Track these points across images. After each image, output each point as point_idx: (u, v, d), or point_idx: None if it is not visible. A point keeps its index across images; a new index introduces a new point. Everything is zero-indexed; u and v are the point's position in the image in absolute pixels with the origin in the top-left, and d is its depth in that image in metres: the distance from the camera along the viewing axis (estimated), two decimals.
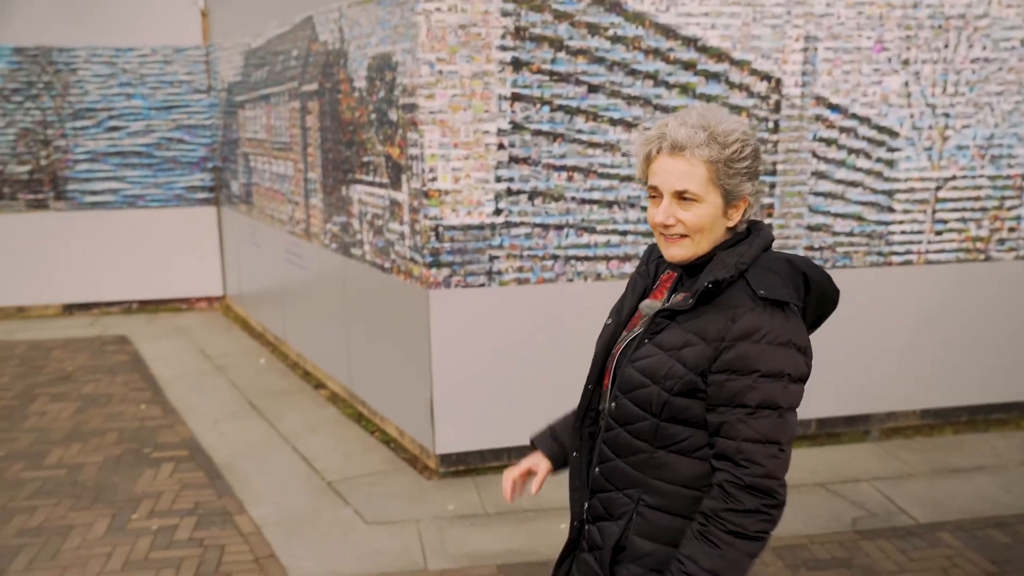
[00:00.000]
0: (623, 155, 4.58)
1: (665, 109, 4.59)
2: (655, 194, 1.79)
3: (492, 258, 4.54)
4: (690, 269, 1.83)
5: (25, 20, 8.25)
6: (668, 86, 4.58)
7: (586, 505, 1.93)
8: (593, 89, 4.50)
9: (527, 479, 2.13)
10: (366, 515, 4.28)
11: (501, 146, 4.46)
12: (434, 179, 4.42)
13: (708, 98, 4.64)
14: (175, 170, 8.63)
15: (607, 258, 4.65)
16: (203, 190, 8.71)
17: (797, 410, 1.75)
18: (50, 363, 7.01)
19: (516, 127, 4.45)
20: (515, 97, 4.43)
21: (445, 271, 4.49)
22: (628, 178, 4.61)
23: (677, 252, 1.79)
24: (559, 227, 4.58)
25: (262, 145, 7.12)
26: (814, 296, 1.83)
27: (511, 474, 2.11)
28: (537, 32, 4.40)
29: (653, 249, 1.96)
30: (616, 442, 1.83)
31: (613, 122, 4.55)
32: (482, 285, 4.55)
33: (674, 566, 1.71)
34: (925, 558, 3.85)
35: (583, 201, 4.58)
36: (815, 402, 5.01)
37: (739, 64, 4.64)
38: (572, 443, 1.99)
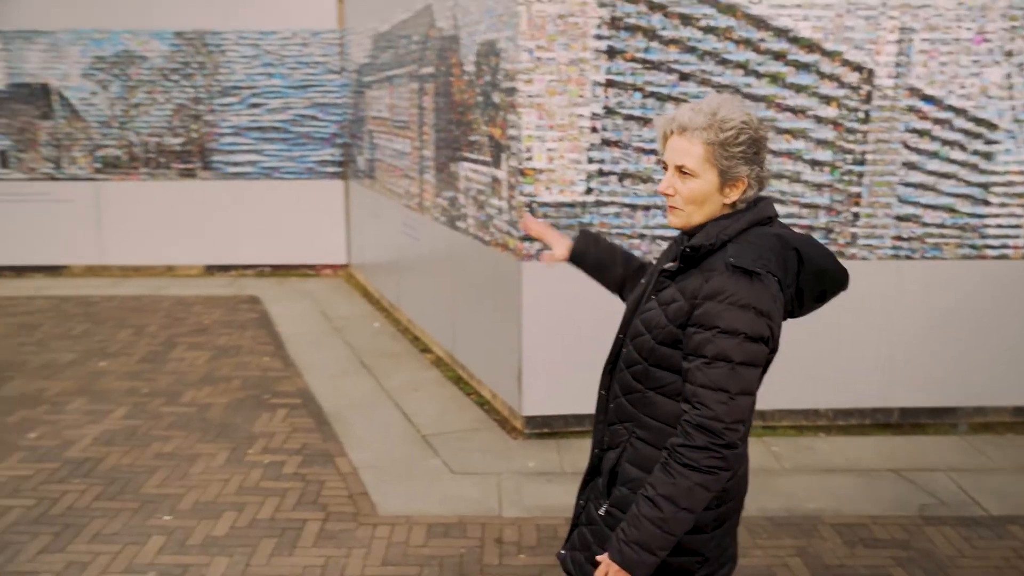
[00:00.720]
0: None
1: (754, 98, 4.74)
2: (664, 167, 2.05)
3: None
4: (692, 237, 2.07)
5: (184, 6, 9.04)
6: (758, 75, 4.74)
7: (605, 436, 2.21)
8: (684, 77, 4.71)
9: (544, 239, 2.56)
10: (452, 466, 4.67)
11: (594, 129, 4.73)
12: (530, 159, 4.73)
13: (798, 88, 4.77)
14: (308, 145, 9.28)
15: None
16: (333, 164, 9.33)
17: (757, 367, 1.94)
18: (191, 316, 7.75)
19: (609, 112, 4.71)
20: (609, 83, 4.69)
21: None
22: None
23: (674, 220, 2.06)
24: (646, 208, 4.82)
25: (385, 123, 7.61)
26: (809, 271, 2.03)
27: (538, 224, 2.57)
28: (632, 22, 4.64)
29: None
30: (622, 382, 2.11)
31: None
32: None
33: (641, 491, 1.96)
34: (988, 548, 3.90)
35: None
36: (898, 391, 5.09)
37: (830, 55, 4.74)
38: (600, 382, 2.26)
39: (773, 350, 1.99)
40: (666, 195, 2.04)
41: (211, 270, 9.58)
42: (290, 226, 9.43)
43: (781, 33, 4.71)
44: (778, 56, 4.74)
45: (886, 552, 3.84)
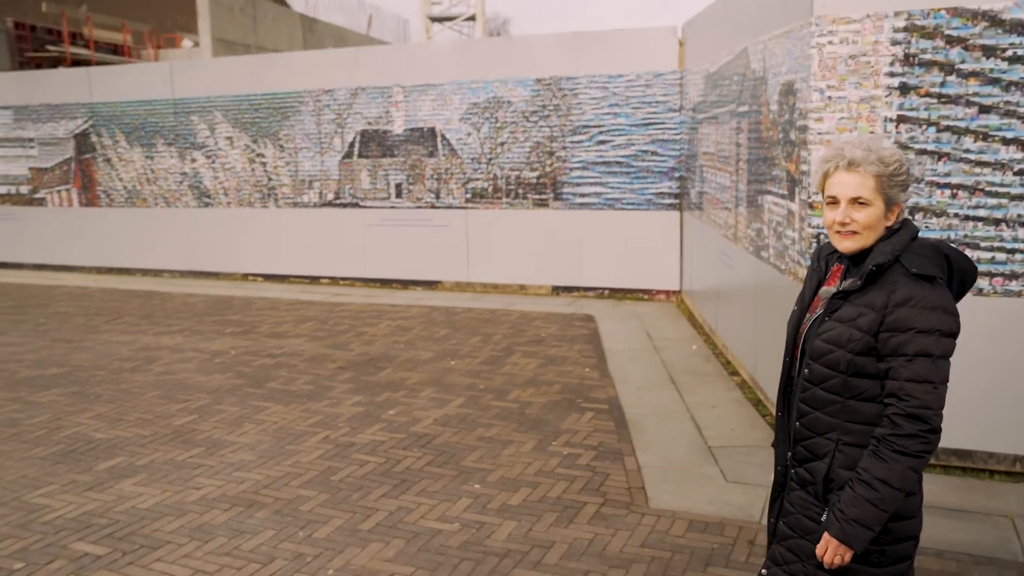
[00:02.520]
0: (1015, 174, 4.65)
1: None
2: (832, 201, 2.39)
3: None
4: (855, 259, 2.41)
5: (545, 56, 10.26)
6: None
7: (790, 453, 2.54)
8: (984, 110, 4.67)
9: None
10: (728, 475, 5.04)
11: None
12: (818, 192, 4.97)
13: None
14: (648, 178, 10.00)
15: (991, 275, 4.76)
16: (670, 196, 9.95)
17: (949, 360, 2.26)
18: (531, 329, 8.80)
19: (900, 147, 4.81)
20: (900, 119, 4.80)
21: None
22: (1020, 197, 4.67)
23: (849, 245, 2.39)
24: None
25: (711, 158, 8.08)
26: (956, 272, 2.35)
27: None
28: (927, 58, 4.71)
29: (820, 249, 2.60)
30: (814, 398, 2.41)
31: (1006, 141, 4.65)
32: None
33: (854, 476, 2.27)
34: None
35: (966, 218, 4.76)
36: None
37: None
38: (777, 403, 2.64)
39: None
40: (842, 224, 2.37)
41: (556, 290, 10.66)
42: (628, 253, 10.21)
43: None
44: None
45: None
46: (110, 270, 13.26)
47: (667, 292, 10.20)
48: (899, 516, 2.33)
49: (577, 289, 10.57)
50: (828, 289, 2.48)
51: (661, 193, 10.01)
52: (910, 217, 2.47)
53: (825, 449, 2.39)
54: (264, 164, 11.91)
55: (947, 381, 2.24)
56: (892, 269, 2.30)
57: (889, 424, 2.22)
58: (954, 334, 2.24)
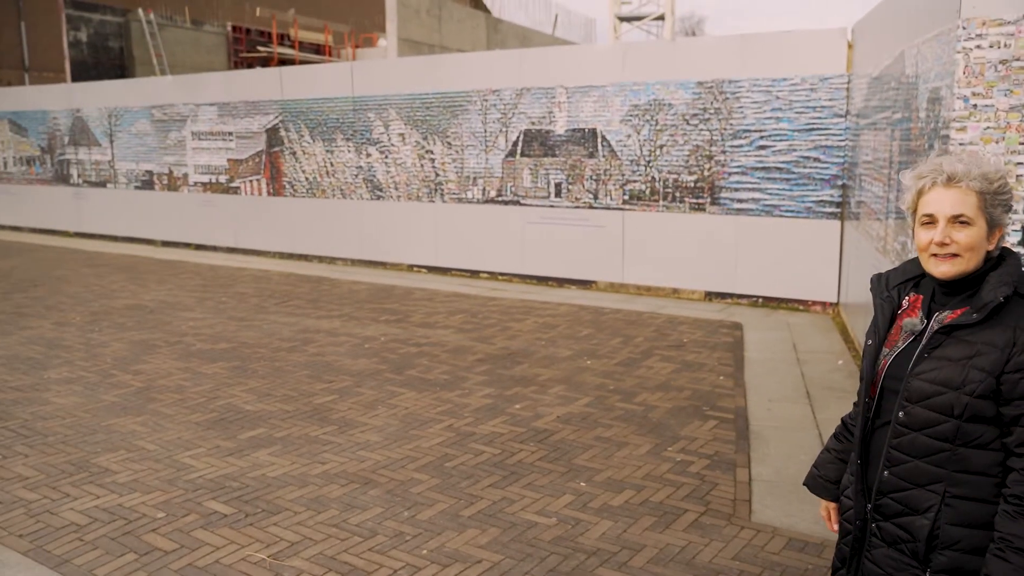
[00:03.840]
0: None
1: None
2: (929, 220, 2.15)
3: None
4: (950, 288, 2.18)
5: (707, 58, 10.12)
6: None
7: (869, 506, 2.27)
8: None
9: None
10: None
11: None
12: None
13: None
14: (808, 185, 9.66)
15: None
16: (830, 204, 9.57)
17: None
18: (675, 334, 8.74)
19: None
20: None
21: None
22: None
23: (948, 269, 2.13)
24: None
25: (869, 167, 7.72)
26: None
27: (826, 513, 2.62)
28: None
29: (880, 279, 2.39)
30: (913, 445, 2.16)
31: None
32: None
33: (998, 544, 2.02)
34: None
35: None
36: None
37: None
38: (855, 450, 2.32)
39: None
40: (940, 244, 2.12)
41: (710, 296, 10.50)
42: (785, 261, 9.91)
43: None
44: None
45: None
46: (291, 255, 14.25)
47: (823, 304, 9.81)
48: None
49: (731, 296, 10.37)
50: (913, 321, 2.25)
51: (822, 201, 9.64)
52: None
53: (928, 503, 2.15)
54: (432, 160, 12.42)
55: None
56: (1013, 302, 2.08)
57: (1022, 480, 2.02)
58: None
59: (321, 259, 13.91)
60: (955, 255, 2.13)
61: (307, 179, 13.82)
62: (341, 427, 5.96)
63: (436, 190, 12.48)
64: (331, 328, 9.03)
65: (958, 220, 2.11)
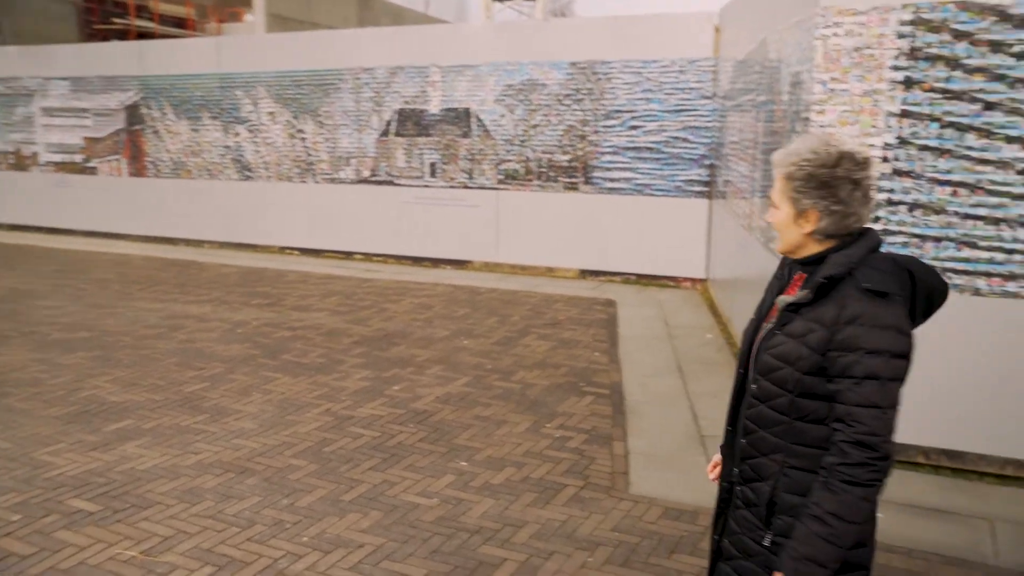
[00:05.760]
0: (1018, 173, 4.55)
1: None
2: None
3: None
4: (811, 269, 2.21)
5: (580, 40, 10.24)
6: None
7: (736, 470, 2.38)
8: (989, 107, 4.57)
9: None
10: None
11: (885, 159, 4.78)
12: None
13: None
14: (678, 165, 9.94)
15: (988, 275, 4.67)
16: (699, 184, 9.88)
17: (902, 382, 2.08)
18: (550, 312, 8.85)
19: (902, 142, 4.74)
20: (904, 114, 4.72)
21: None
22: (1022, 197, 4.57)
23: (777, 246, 2.31)
24: (937, 239, 4.74)
25: (735, 147, 8.01)
26: (921, 289, 2.16)
27: (712, 464, 2.65)
28: (933, 52, 4.62)
29: (783, 257, 2.41)
30: (759, 416, 2.23)
31: (1009, 140, 4.55)
32: None
33: (805, 510, 2.10)
34: None
35: (966, 216, 4.68)
36: None
37: None
38: (727, 418, 2.43)
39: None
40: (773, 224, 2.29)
41: (584, 274, 10.69)
42: (656, 239, 10.18)
43: None
44: None
45: None
46: (154, 239, 13.65)
47: (692, 280, 10.15)
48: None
49: (604, 273, 10.58)
50: (784, 299, 2.29)
51: (690, 180, 9.94)
52: (874, 227, 2.26)
53: (770, 471, 2.24)
54: (304, 140, 12.12)
55: (896, 405, 2.07)
56: (845, 283, 2.10)
57: (837, 452, 2.06)
58: (906, 355, 2.07)
59: (188, 242, 13.38)
60: (778, 232, 2.26)
61: (171, 159, 13.24)
62: (214, 415, 5.76)
63: (308, 170, 12.19)
64: (201, 313, 8.71)
65: (773, 201, 2.23)
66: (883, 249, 2.22)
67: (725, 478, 2.42)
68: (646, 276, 10.36)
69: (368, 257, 12.02)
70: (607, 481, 4.81)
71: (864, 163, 2.14)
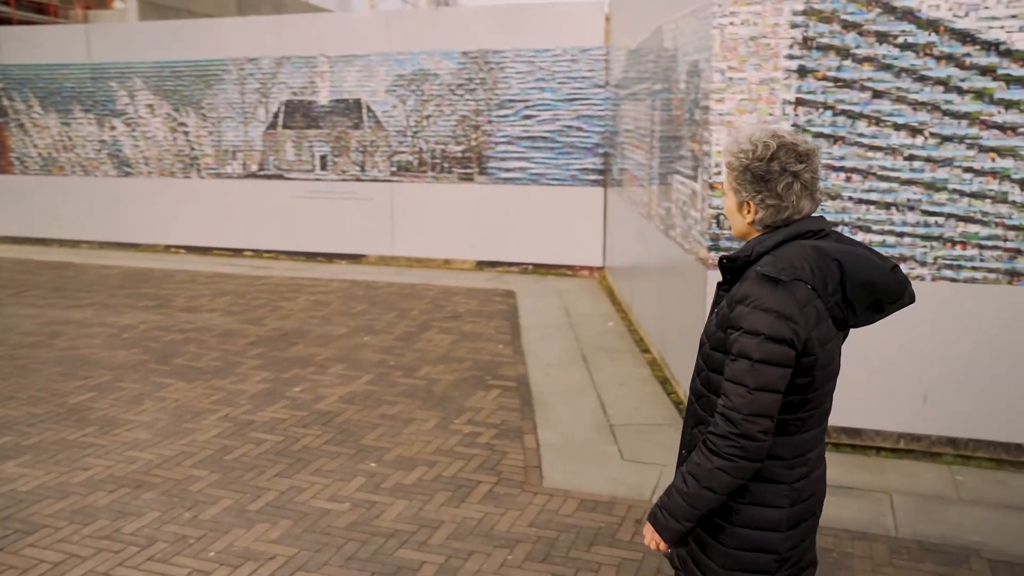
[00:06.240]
0: (905, 159, 4.72)
1: (955, 115, 4.63)
2: None
3: None
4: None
5: (471, 30, 10.14)
6: (961, 92, 4.62)
7: (688, 438, 2.38)
8: (878, 95, 4.72)
9: None
10: (625, 453, 5.07)
11: None
12: (719, 173, 5.00)
13: (1008, 104, 4.58)
14: (572, 154, 9.98)
15: None
16: (594, 172, 9.95)
17: (781, 367, 2.06)
18: (450, 304, 8.76)
19: (798, 129, 4.85)
20: (799, 102, 4.83)
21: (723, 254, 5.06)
22: (910, 182, 4.74)
23: (732, 230, 2.36)
24: (833, 224, 4.86)
25: (631, 135, 8.09)
26: (855, 282, 2.12)
27: None
28: (824, 42, 4.74)
29: None
30: (694, 389, 2.32)
31: (897, 127, 4.72)
32: None
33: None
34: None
35: (860, 201, 4.83)
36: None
37: None
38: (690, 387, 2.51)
39: (809, 352, 2.07)
40: None
41: (481, 265, 10.63)
42: (552, 228, 10.21)
43: (991, 46, 4.56)
44: (986, 71, 4.59)
45: None
46: (25, 240, 12.85)
47: (590, 268, 10.22)
48: (751, 524, 2.21)
49: (501, 264, 10.55)
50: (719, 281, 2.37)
51: (585, 169, 10.00)
52: (817, 216, 2.24)
53: (696, 440, 2.28)
54: (186, 133, 11.62)
55: (768, 389, 2.06)
56: (752, 267, 2.14)
57: (713, 420, 2.13)
58: (784, 340, 2.03)
59: (63, 243, 12.65)
60: (728, 219, 2.30)
61: (40, 155, 12.48)
62: (103, 427, 5.44)
63: (192, 165, 11.70)
64: (82, 318, 8.23)
65: (723, 188, 2.30)
66: (824, 237, 2.18)
67: (683, 445, 2.44)
68: (544, 265, 10.38)
69: (259, 254, 11.64)
70: (520, 476, 4.77)
71: (805, 155, 2.14)
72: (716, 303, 2.28)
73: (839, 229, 4.81)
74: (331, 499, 4.46)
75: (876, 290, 2.17)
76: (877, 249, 4.76)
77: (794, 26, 4.77)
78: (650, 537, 2.28)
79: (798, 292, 2.08)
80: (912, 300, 2.22)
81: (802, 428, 2.18)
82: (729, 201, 2.25)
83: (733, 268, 2.20)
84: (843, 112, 4.78)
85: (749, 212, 2.19)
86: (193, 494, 4.51)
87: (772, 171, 2.13)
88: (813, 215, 2.21)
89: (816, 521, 2.30)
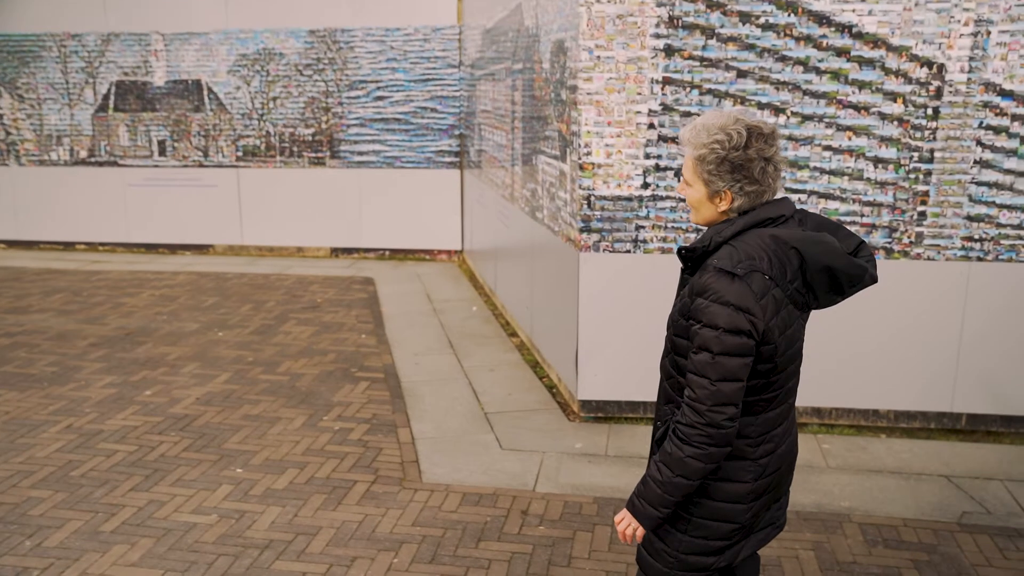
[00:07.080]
0: None
1: (814, 95, 4.75)
2: None
3: (638, 227, 4.99)
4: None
5: (317, 6, 9.71)
6: (819, 72, 4.73)
7: (660, 414, 2.41)
8: (742, 74, 4.77)
9: None
10: (503, 442, 4.96)
11: (651, 125, 4.87)
12: (589, 153, 4.94)
13: (861, 84, 4.73)
14: (427, 136, 9.76)
15: None
16: (450, 154, 9.77)
17: (742, 357, 2.08)
18: (307, 295, 8.39)
19: (666, 108, 4.85)
20: (666, 81, 4.82)
21: (595, 236, 5.02)
22: None
23: (692, 217, 2.30)
24: None
25: (489, 116, 7.96)
26: (814, 267, 2.16)
27: None
28: (690, 20, 4.75)
29: None
30: (663, 367, 2.37)
31: (761, 106, 4.79)
32: (628, 251, 5.02)
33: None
34: (1021, 559, 3.83)
35: None
36: (965, 397, 4.98)
37: (897, 50, 4.67)
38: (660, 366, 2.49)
39: (768, 341, 2.12)
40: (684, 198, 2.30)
41: (336, 252, 10.26)
42: (409, 213, 9.97)
43: (844, 29, 4.69)
44: (841, 52, 4.72)
45: (907, 554, 3.83)
46: None
47: (449, 252, 10.06)
48: (718, 497, 2.27)
49: (357, 250, 10.22)
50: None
51: (441, 151, 9.81)
52: (788, 200, 2.24)
53: (667, 417, 2.34)
54: (1, 116, 10.61)
55: (730, 379, 2.08)
56: (712, 256, 2.15)
57: (681, 410, 2.18)
58: (741, 331, 2.06)
59: None
60: (693, 208, 2.27)
61: None
62: None
63: (9, 151, 10.70)
64: None
65: (685, 180, 2.24)
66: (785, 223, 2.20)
67: (656, 418, 2.49)
68: (401, 251, 10.14)
69: (93, 247, 10.80)
70: (398, 472, 4.57)
71: (771, 136, 2.16)
72: (681, 287, 2.30)
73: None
74: (196, 511, 4.12)
75: (836, 275, 2.23)
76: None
77: (660, 4, 4.75)
78: (625, 525, 2.29)
79: (755, 283, 2.10)
80: (874, 281, 2.29)
81: (767, 408, 2.26)
82: (697, 191, 2.21)
83: (692, 257, 2.22)
84: (709, 91, 4.81)
85: (723, 200, 2.19)
86: (35, 518, 4.06)
87: (751, 159, 2.13)
88: (775, 199, 2.23)
89: (787, 488, 2.46)
